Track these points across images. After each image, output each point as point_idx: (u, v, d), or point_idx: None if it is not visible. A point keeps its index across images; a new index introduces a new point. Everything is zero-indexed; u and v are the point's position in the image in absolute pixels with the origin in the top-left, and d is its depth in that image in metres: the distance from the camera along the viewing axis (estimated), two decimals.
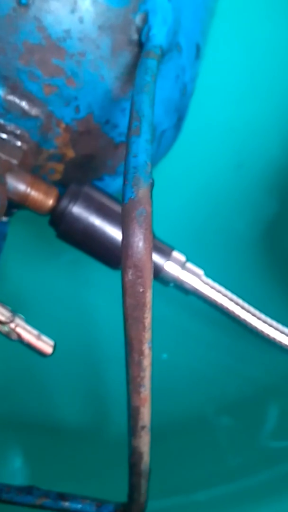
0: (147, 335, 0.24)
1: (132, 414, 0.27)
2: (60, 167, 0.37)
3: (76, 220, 0.34)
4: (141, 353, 0.24)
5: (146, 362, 0.25)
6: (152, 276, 0.22)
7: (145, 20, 0.33)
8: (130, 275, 0.22)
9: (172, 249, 0.36)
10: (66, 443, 0.44)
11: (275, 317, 0.38)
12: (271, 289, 0.48)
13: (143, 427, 0.28)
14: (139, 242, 0.22)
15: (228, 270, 0.48)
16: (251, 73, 0.49)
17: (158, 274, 0.36)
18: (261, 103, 0.49)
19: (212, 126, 0.48)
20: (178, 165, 0.47)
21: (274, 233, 0.49)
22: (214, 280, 0.37)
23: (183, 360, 0.46)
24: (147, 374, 0.25)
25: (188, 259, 0.37)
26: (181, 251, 0.46)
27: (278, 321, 0.37)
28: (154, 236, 0.36)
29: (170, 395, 0.46)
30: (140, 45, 0.33)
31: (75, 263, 0.46)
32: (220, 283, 0.37)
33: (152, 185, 0.22)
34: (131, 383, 0.26)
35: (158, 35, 0.32)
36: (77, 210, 0.34)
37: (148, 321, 0.23)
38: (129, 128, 0.25)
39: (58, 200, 0.35)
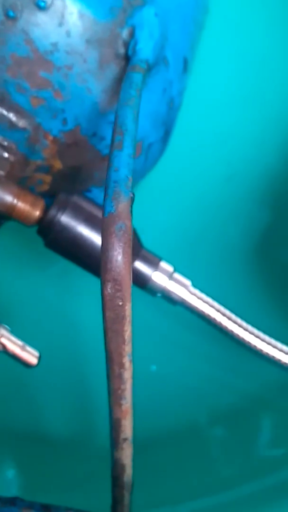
0: (127, 348, 0.24)
1: (114, 426, 0.28)
2: (47, 178, 0.37)
3: (64, 229, 0.34)
4: (121, 365, 0.24)
5: (127, 374, 0.25)
6: (130, 289, 0.22)
7: (132, 34, 0.33)
8: (109, 288, 0.22)
9: (160, 259, 0.36)
10: (55, 454, 0.44)
11: (267, 329, 0.38)
12: (263, 300, 0.48)
13: (125, 440, 0.28)
14: (118, 256, 0.22)
15: (221, 281, 0.48)
16: (240, 85, 0.49)
17: (146, 284, 0.36)
18: (250, 115, 0.49)
19: (202, 138, 0.48)
20: (169, 177, 0.48)
21: (266, 245, 0.49)
22: (206, 291, 0.38)
23: (173, 372, 0.46)
24: (127, 386, 0.25)
25: (177, 270, 0.37)
26: (174, 262, 0.46)
27: (270, 332, 0.38)
28: (142, 247, 0.36)
29: (160, 406, 0.46)
30: (127, 59, 0.33)
31: (63, 274, 0.46)
32: (213, 294, 0.37)
33: (132, 199, 0.23)
34: (112, 396, 0.26)
35: (144, 49, 0.32)
36: (66, 219, 0.34)
37: (128, 334, 0.23)
38: (111, 142, 0.25)
39: (46, 210, 0.35)
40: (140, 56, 0.32)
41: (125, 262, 0.22)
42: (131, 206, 0.22)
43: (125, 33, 0.33)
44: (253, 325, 0.41)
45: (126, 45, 0.33)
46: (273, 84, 0.49)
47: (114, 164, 0.24)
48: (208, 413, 0.45)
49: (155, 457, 0.45)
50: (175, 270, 0.36)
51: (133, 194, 0.23)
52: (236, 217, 0.48)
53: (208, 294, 0.38)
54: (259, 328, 0.40)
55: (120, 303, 0.22)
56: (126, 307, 0.22)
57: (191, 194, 0.47)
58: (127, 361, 0.24)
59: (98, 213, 0.35)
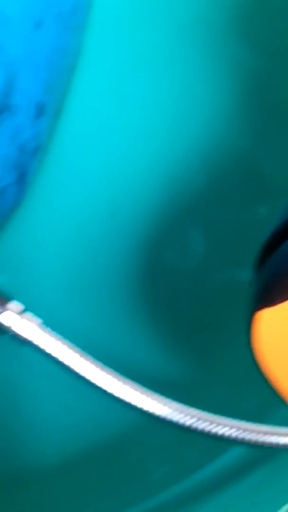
0: None
1: None
2: None
3: None
4: None
5: None
6: None
7: None
8: None
9: (9, 299, 0.37)
10: None
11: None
12: (145, 341, 0.48)
13: None
14: None
15: (102, 321, 0.48)
16: (122, 121, 0.50)
17: None
18: (135, 152, 0.50)
19: (82, 175, 0.49)
20: (48, 212, 0.48)
21: (146, 285, 0.49)
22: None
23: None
24: None
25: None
26: (53, 299, 0.47)
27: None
28: None
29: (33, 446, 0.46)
30: None
31: None
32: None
33: None
34: None
35: None
36: None
37: None
38: None
39: None
40: None
41: None
42: None
43: None
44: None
45: None
46: (156, 111, 0.50)
47: None
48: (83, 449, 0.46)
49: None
50: (25, 310, 0.37)
51: None
52: (119, 253, 0.49)
53: (74, 334, 0.38)
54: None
55: None
56: None
57: (70, 233, 0.48)
58: None
59: None
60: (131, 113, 0.51)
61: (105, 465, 0.45)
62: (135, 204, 0.50)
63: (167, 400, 0.37)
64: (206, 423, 0.36)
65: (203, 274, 0.50)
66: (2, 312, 0.36)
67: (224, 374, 0.49)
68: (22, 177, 0.38)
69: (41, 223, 0.48)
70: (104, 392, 0.37)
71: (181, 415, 0.36)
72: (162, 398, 0.37)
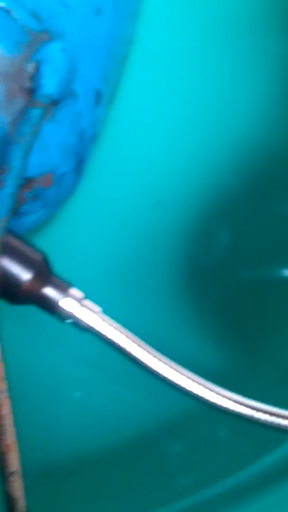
0: (1, 385, 0.24)
1: (1, 460, 0.28)
2: None
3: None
4: None
5: (4, 411, 0.25)
6: None
7: (37, 69, 0.33)
8: None
9: (70, 286, 0.37)
10: None
11: (192, 359, 0.39)
12: (190, 330, 0.48)
13: (12, 473, 0.28)
14: None
15: (147, 309, 0.48)
16: (169, 113, 0.50)
17: (55, 310, 0.36)
18: (177, 141, 0.50)
19: (129, 164, 0.49)
20: (96, 202, 0.48)
21: (194, 273, 0.49)
22: (131, 319, 0.38)
23: (97, 398, 0.47)
24: (7, 422, 0.26)
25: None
26: (100, 290, 0.47)
27: (194, 362, 0.38)
28: (51, 272, 0.36)
29: (82, 432, 0.46)
30: (32, 93, 0.34)
31: None
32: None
33: (2, 241, 0.23)
34: None
35: (48, 84, 0.33)
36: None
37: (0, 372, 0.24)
38: None
39: None
40: (42, 91, 0.33)
41: None
42: (1, 247, 0.23)
43: (30, 68, 0.34)
44: (177, 353, 0.41)
45: (31, 79, 0.34)
46: (202, 106, 0.50)
47: None
48: (127, 439, 0.46)
49: (76, 482, 0.45)
50: (85, 297, 0.37)
51: (6, 236, 0.23)
52: (162, 244, 0.49)
53: (121, 322, 0.38)
54: (183, 357, 0.40)
55: None
56: None
57: (117, 221, 0.48)
58: (1, 399, 0.24)
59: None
60: (177, 106, 0.50)
61: (154, 455, 0.45)
62: (177, 196, 0.50)
63: (227, 391, 0.36)
64: (266, 415, 0.36)
65: (249, 267, 0.50)
66: (64, 298, 0.36)
67: (269, 366, 0.48)
68: (79, 164, 0.38)
69: (90, 212, 0.47)
70: (162, 379, 0.36)
71: (241, 406, 0.36)
72: (221, 388, 0.36)
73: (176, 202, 0.50)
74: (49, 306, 0.35)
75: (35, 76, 0.33)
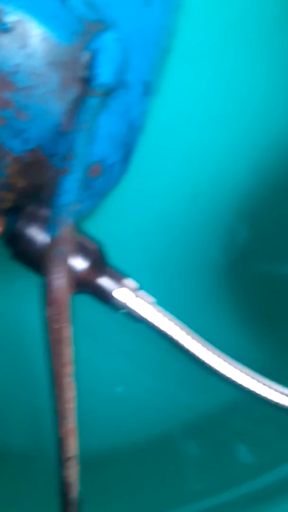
0: (67, 369, 0.24)
1: (59, 445, 0.28)
2: (10, 195, 0.38)
3: (32, 242, 0.34)
4: (62, 387, 0.25)
5: (69, 395, 0.25)
6: (68, 312, 0.23)
7: (92, 58, 0.34)
8: (49, 311, 0.23)
9: (124, 276, 0.37)
10: (9, 467, 0.45)
11: (232, 349, 0.39)
12: (228, 321, 0.48)
13: (69, 458, 0.28)
14: (57, 280, 0.22)
15: (185, 302, 0.48)
16: (206, 105, 0.50)
17: (109, 300, 0.36)
18: (215, 135, 0.50)
19: (167, 158, 0.49)
20: (134, 196, 0.48)
21: (231, 266, 0.49)
22: (170, 311, 0.38)
23: (138, 393, 0.47)
24: (70, 406, 0.26)
25: (142, 288, 0.37)
26: (139, 282, 0.47)
27: (234, 353, 0.38)
28: (105, 263, 0.37)
29: (121, 427, 0.46)
30: (87, 82, 0.34)
31: (27, 291, 0.46)
32: (177, 315, 0.38)
33: (74, 225, 0.23)
34: (56, 416, 0.26)
35: (104, 74, 0.33)
36: (34, 231, 0.34)
37: (67, 355, 0.24)
38: (59, 167, 0.25)
39: (13, 221, 0.35)
40: (99, 80, 0.33)
41: (64, 285, 0.22)
42: (73, 232, 0.23)
43: (85, 57, 0.34)
44: (217, 346, 0.41)
45: (86, 68, 0.34)
46: (240, 104, 0.50)
47: (60, 189, 0.24)
48: (167, 433, 0.46)
49: (113, 475, 0.45)
50: (139, 288, 0.37)
51: (76, 220, 0.23)
52: (200, 237, 0.49)
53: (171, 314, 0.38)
54: (223, 349, 0.40)
55: (59, 326, 0.23)
56: (65, 329, 0.23)
57: (155, 214, 0.48)
58: (67, 382, 0.25)
59: None
60: (215, 101, 0.50)
61: (191, 445, 0.45)
62: (214, 190, 0.50)
63: (273, 383, 0.36)
64: None
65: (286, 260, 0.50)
66: (118, 288, 0.36)
67: None
68: (127, 155, 0.38)
69: (128, 205, 0.48)
70: (213, 371, 0.36)
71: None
72: (268, 380, 0.37)
73: (213, 197, 0.50)
74: (104, 296, 0.36)
75: (90, 66, 0.33)
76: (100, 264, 0.35)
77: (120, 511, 0.43)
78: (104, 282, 0.36)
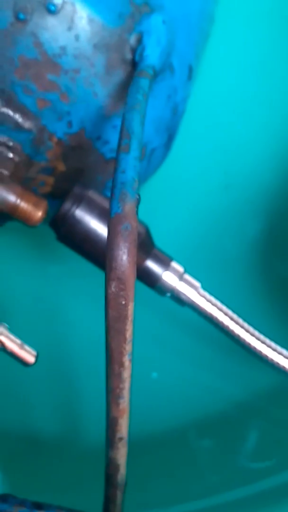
0: (128, 347, 0.24)
1: (110, 425, 0.28)
2: (50, 180, 0.38)
3: (78, 223, 0.34)
4: (121, 364, 0.25)
5: (126, 374, 0.25)
6: (133, 289, 0.22)
7: (140, 40, 0.33)
8: (113, 287, 0.23)
9: (171, 259, 0.37)
10: (44, 454, 0.44)
11: (267, 334, 0.39)
12: (262, 307, 0.48)
13: (120, 439, 0.28)
14: (123, 255, 0.22)
15: (220, 289, 0.48)
16: (242, 93, 0.50)
17: (156, 283, 0.36)
18: (250, 125, 0.50)
19: (202, 147, 0.49)
20: (168, 184, 0.48)
21: (264, 253, 0.49)
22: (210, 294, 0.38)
23: (173, 379, 0.47)
24: (126, 385, 0.26)
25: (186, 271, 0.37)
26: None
27: (271, 338, 0.38)
28: (153, 246, 0.37)
29: (154, 413, 0.46)
30: (134, 65, 0.34)
31: (62, 274, 0.46)
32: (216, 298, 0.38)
33: (138, 201, 0.23)
34: (110, 394, 0.26)
35: (152, 56, 0.33)
36: (80, 213, 0.34)
37: (129, 333, 0.24)
38: (118, 144, 0.25)
39: (61, 202, 0.35)
40: (147, 62, 0.33)
41: (130, 261, 0.22)
42: (137, 208, 0.23)
43: (132, 39, 0.34)
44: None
45: (133, 51, 0.34)
46: (275, 94, 0.49)
47: (121, 166, 0.24)
48: (199, 421, 0.46)
49: (142, 459, 0.45)
50: (185, 271, 0.37)
51: (139, 196, 0.23)
52: (234, 225, 0.49)
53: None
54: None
55: (123, 302, 0.23)
56: (129, 307, 0.23)
57: (189, 202, 0.48)
58: (126, 360, 0.24)
59: None
60: (251, 92, 0.50)
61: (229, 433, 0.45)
62: (247, 180, 0.50)
63: None
64: None
65: None
66: (165, 271, 0.36)
67: None
68: (170, 139, 0.38)
69: (163, 192, 0.47)
70: (257, 354, 0.36)
71: None
72: None
73: (246, 186, 0.50)
74: (151, 279, 0.36)
75: (138, 48, 0.33)
76: (148, 246, 0.35)
77: (157, 497, 0.43)
78: (151, 265, 0.35)
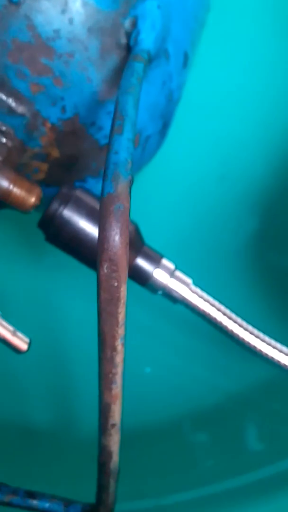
0: (120, 330, 0.24)
1: (103, 411, 0.27)
2: (44, 166, 0.37)
3: (66, 223, 0.34)
4: (113, 349, 0.24)
5: (118, 358, 0.25)
6: (126, 270, 0.22)
7: (134, 24, 0.33)
8: (105, 268, 0.22)
9: (162, 256, 0.36)
10: (37, 442, 0.44)
11: (261, 328, 0.38)
12: (256, 298, 0.48)
13: (113, 425, 0.28)
14: (116, 236, 0.22)
15: (212, 280, 0.48)
16: (239, 84, 0.49)
17: (147, 281, 0.36)
18: (246, 115, 0.49)
19: (197, 136, 0.48)
20: (162, 173, 0.48)
21: (258, 244, 0.49)
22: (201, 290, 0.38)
23: (166, 373, 0.47)
24: (119, 370, 0.25)
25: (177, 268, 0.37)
26: (167, 258, 0.46)
27: (265, 332, 0.38)
28: (143, 243, 0.36)
29: (149, 407, 0.46)
30: (128, 49, 0.33)
31: (56, 267, 0.46)
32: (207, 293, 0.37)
33: (131, 181, 0.23)
34: (103, 380, 0.26)
35: (146, 40, 0.33)
36: (68, 213, 0.34)
37: (121, 316, 0.23)
38: (112, 126, 0.25)
39: (49, 202, 0.34)
40: (141, 47, 0.32)
41: (122, 242, 0.22)
42: (130, 188, 0.22)
43: (127, 23, 0.33)
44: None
45: (128, 35, 0.33)
46: (273, 84, 0.49)
47: (114, 147, 0.24)
48: (194, 413, 0.45)
49: (137, 449, 0.45)
50: (176, 268, 0.36)
51: (132, 177, 0.23)
52: (229, 216, 0.48)
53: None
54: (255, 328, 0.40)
55: (116, 284, 0.22)
56: (122, 289, 0.22)
57: (184, 192, 0.48)
58: (119, 344, 0.24)
59: None
60: (247, 82, 0.50)
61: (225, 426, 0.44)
62: (242, 170, 0.50)
63: None
64: None
65: None
66: (156, 269, 0.35)
67: None
68: (165, 127, 0.38)
69: (155, 182, 0.47)
70: (251, 349, 0.36)
71: None
72: None
73: (242, 177, 0.50)
74: (141, 277, 0.35)
75: (133, 32, 0.33)
76: (137, 244, 0.34)
77: (151, 486, 0.42)
78: (142, 263, 0.35)
